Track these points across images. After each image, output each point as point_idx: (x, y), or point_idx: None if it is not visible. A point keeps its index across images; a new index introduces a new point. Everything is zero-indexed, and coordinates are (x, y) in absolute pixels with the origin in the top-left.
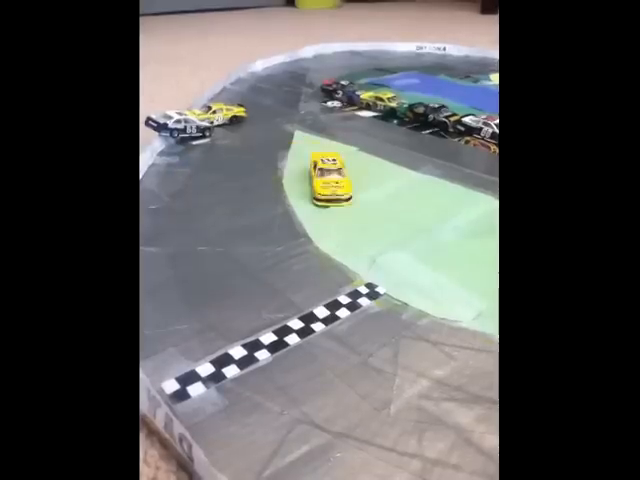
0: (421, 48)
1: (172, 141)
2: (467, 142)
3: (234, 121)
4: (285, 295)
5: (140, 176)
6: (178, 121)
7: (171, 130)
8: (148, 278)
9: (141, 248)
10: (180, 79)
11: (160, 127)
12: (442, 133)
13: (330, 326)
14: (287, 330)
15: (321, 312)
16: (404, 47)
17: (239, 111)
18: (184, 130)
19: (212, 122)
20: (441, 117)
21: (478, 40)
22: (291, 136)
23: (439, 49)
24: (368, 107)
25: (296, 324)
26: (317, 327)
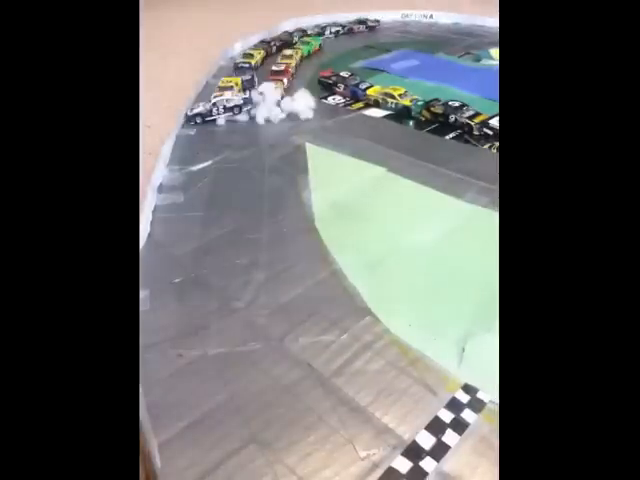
0: (407, 16)
1: (168, 172)
2: (498, 149)
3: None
4: (374, 415)
5: (147, 227)
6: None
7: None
8: (195, 393)
9: (181, 351)
10: (151, 71)
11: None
12: (467, 137)
13: (441, 461)
14: (393, 476)
15: (425, 439)
16: (389, 16)
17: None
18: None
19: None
20: (464, 118)
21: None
22: (303, 151)
23: (425, 17)
24: (376, 104)
25: (402, 464)
26: (427, 465)
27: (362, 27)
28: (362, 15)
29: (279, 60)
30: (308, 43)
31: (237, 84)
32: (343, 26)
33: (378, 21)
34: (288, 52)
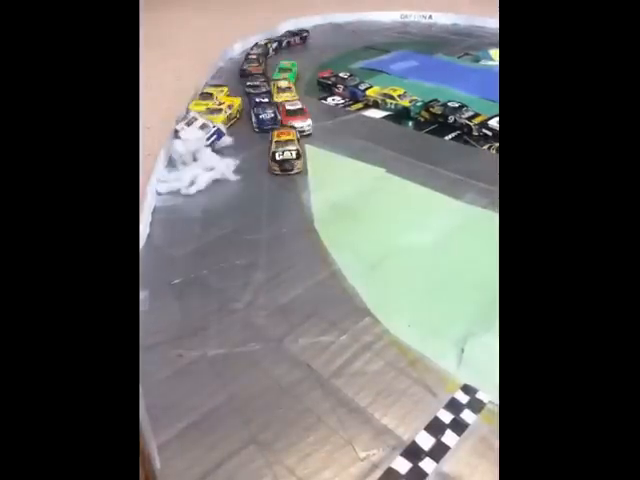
0: (406, 17)
1: (167, 174)
2: (497, 150)
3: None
4: (374, 416)
5: (147, 228)
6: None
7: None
8: (194, 394)
9: (180, 351)
10: (151, 71)
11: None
12: (466, 138)
13: (441, 462)
14: (392, 476)
15: (425, 440)
16: (388, 16)
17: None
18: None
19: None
20: (463, 119)
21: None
22: (302, 152)
23: (424, 17)
24: (375, 105)
25: (401, 465)
26: (427, 466)
27: (297, 39)
28: (359, 16)
29: (276, 98)
30: (289, 70)
31: (233, 105)
32: (280, 41)
33: (307, 31)
34: (283, 84)
